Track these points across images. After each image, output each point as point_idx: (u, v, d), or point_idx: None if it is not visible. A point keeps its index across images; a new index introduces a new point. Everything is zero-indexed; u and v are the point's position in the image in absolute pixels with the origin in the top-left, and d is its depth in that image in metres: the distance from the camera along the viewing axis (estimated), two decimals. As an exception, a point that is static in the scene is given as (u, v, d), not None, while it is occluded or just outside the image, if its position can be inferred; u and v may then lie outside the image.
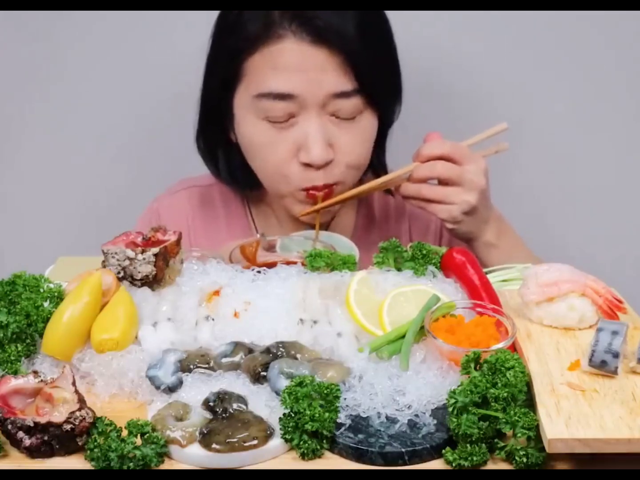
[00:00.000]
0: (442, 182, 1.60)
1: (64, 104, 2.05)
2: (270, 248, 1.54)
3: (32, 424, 1.02)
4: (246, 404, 1.09)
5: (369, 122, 1.65)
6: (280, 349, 1.17)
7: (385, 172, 1.76)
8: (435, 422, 1.07)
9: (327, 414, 1.03)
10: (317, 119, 1.59)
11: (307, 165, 1.61)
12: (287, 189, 1.66)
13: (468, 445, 1.02)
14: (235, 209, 1.84)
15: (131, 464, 1.02)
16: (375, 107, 1.64)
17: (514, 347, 1.19)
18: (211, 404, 1.08)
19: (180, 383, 1.14)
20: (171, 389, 1.13)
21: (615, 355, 1.10)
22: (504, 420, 1.03)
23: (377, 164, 1.77)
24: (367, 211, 1.85)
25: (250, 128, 1.63)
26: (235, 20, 1.61)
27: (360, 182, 1.75)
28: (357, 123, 1.63)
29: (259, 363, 1.15)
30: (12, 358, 1.18)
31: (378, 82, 1.62)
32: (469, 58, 2.00)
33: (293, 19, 1.56)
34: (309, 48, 1.56)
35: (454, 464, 1.01)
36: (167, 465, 1.04)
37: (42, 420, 1.03)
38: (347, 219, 1.84)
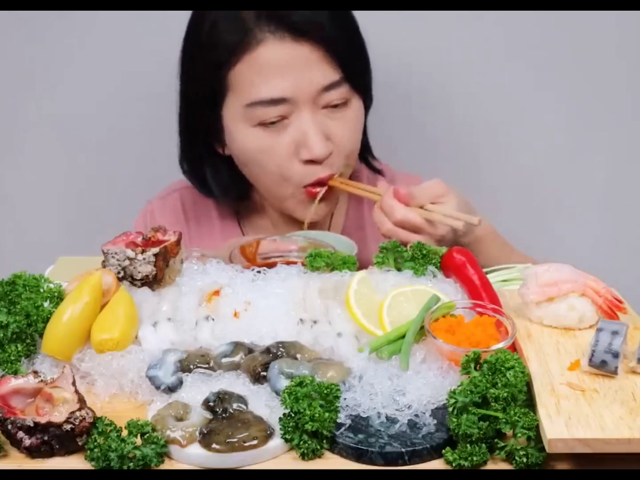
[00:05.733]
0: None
1: (64, 104, 2.06)
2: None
3: (32, 424, 1.02)
4: (246, 404, 1.09)
5: (357, 108, 1.68)
6: (280, 349, 1.17)
7: (370, 152, 1.82)
8: (435, 422, 1.07)
9: (327, 414, 1.03)
10: (311, 115, 1.62)
11: (310, 161, 1.63)
12: (289, 190, 1.68)
13: (468, 445, 1.02)
14: (228, 210, 1.85)
15: (131, 464, 1.01)
16: (360, 92, 1.68)
17: (514, 347, 1.19)
18: (211, 404, 1.08)
19: (180, 383, 1.14)
20: (171, 389, 1.13)
21: (615, 355, 1.10)
22: (504, 420, 1.03)
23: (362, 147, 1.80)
24: (356, 211, 1.87)
25: (245, 137, 1.65)
26: (209, 35, 1.61)
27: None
28: (348, 110, 1.66)
29: (259, 363, 1.15)
30: (12, 358, 1.17)
31: (359, 67, 1.67)
32: (464, 57, 2.01)
33: (270, 20, 1.57)
34: (291, 45, 1.58)
35: (454, 464, 1.01)
36: (167, 465, 1.04)
37: (42, 420, 1.03)
38: (336, 217, 1.86)
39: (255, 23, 1.57)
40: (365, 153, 1.82)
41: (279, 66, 1.58)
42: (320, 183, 1.66)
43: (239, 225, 1.84)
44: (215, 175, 1.76)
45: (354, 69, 1.64)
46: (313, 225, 1.72)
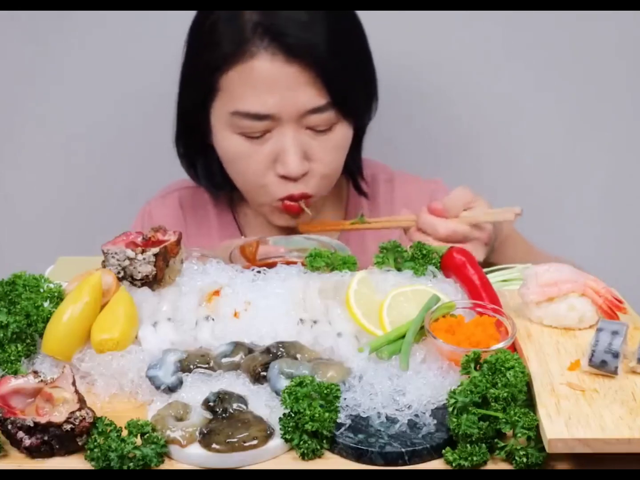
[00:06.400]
0: None
1: (64, 104, 2.06)
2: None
3: (32, 424, 1.02)
4: (246, 404, 1.09)
5: (343, 133, 1.66)
6: (280, 349, 1.17)
7: (360, 173, 1.80)
8: (435, 422, 1.07)
9: (327, 414, 1.03)
10: (292, 132, 1.61)
11: (284, 177, 1.64)
12: (265, 199, 1.69)
13: (468, 445, 1.02)
14: (225, 209, 1.86)
15: (131, 464, 1.02)
16: (349, 117, 1.66)
17: (514, 347, 1.19)
18: (211, 404, 1.08)
19: (180, 383, 1.14)
20: (171, 389, 1.13)
21: (615, 355, 1.10)
22: (504, 420, 1.03)
23: (351, 165, 1.79)
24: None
25: (227, 141, 1.66)
26: (208, 36, 1.62)
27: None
28: (332, 134, 1.65)
29: (259, 363, 1.15)
30: (12, 358, 1.17)
31: (351, 93, 1.64)
32: (464, 57, 2.01)
33: (264, 35, 1.56)
34: (282, 65, 1.57)
35: (454, 464, 1.01)
36: (167, 465, 1.04)
37: (42, 420, 1.03)
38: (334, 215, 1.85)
39: (251, 35, 1.57)
40: (355, 174, 1.81)
41: (267, 82, 1.58)
42: (291, 198, 1.66)
43: (236, 224, 1.85)
44: (206, 165, 1.78)
45: (344, 94, 1.62)
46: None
